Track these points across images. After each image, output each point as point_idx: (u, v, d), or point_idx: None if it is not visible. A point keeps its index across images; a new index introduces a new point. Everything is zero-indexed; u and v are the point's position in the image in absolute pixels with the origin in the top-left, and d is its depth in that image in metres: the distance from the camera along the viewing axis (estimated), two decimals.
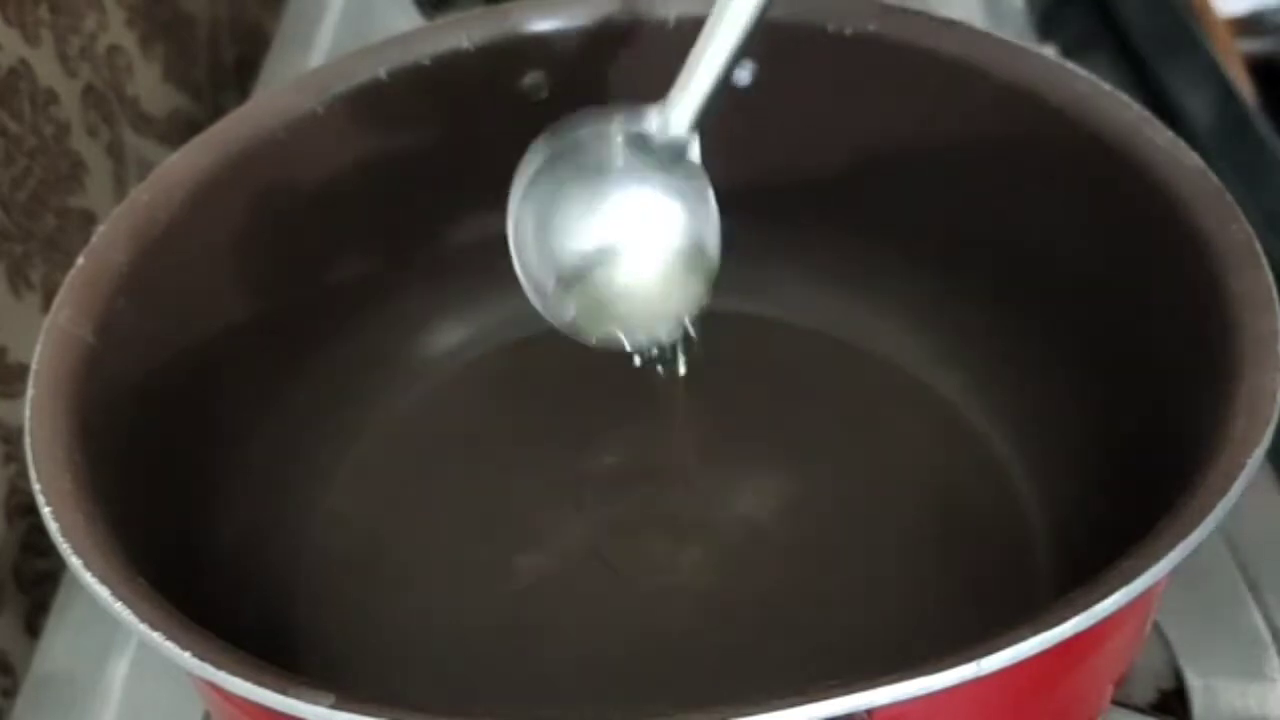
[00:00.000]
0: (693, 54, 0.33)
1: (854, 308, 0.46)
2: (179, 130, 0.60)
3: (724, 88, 0.34)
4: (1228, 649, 0.39)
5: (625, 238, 0.34)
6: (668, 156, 0.34)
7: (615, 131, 0.34)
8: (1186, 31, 0.60)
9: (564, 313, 0.35)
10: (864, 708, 0.24)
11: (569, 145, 0.34)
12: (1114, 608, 0.26)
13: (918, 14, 0.42)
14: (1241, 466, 0.28)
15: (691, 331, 0.36)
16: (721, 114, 0.44)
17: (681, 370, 0.37)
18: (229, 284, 0.40)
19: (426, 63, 0.43)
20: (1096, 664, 0.30)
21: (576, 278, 0.34)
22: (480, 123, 0.44)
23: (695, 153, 0.34)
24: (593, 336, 0.35)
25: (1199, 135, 0.52)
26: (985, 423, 0.43)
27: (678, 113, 0.34)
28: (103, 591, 0.28)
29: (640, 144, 0.34)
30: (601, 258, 0.34)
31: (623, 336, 0.35)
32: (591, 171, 0.34)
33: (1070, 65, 0.39)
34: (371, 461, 0.44)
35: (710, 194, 0.35)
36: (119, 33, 0.56)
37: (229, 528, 0.39)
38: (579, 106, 0.44)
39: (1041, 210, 0.40)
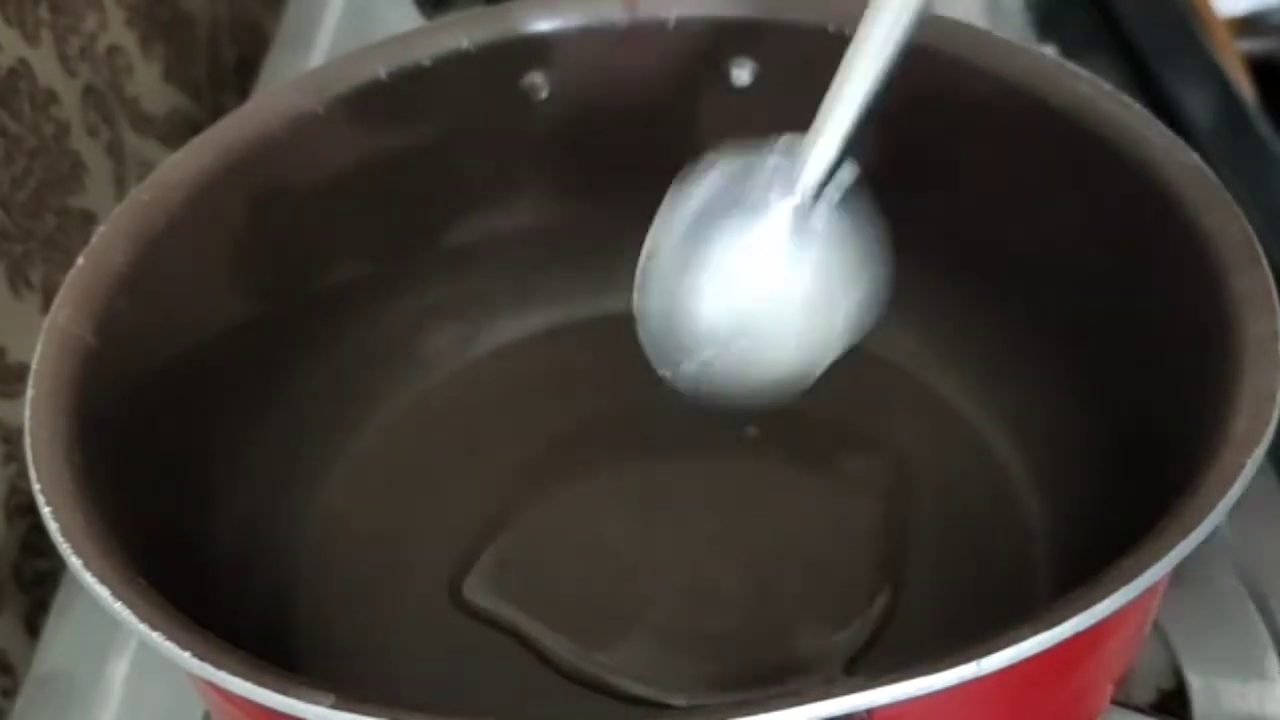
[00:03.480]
0: (828, 98, 0.32)
1: None
2: (179, 130, 0.60)
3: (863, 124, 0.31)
4: (1228, 649, 0.39)
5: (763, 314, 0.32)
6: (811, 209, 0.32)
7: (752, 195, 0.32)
8: (1186, 31, 0.60)
9: (692, 381, 0.33)
10: (864, 708, 0.24)
11: (709, 206, 0.32)
12: (1114, 608, 0.26)
13: None
14: (1241, 466, 0.28)
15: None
16: (722, 114, 0.45)
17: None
18: (229, 284, 0.40)
19: (426, 63, 0.43)
20: (1096, 664, 0.30)
21: (710, 352, 0.33)
22: (480, 123, 0.44)
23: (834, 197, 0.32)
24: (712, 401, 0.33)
25: (1199, 135, 0.52)
26: (985, 423, 0.43)
27: (811, 169, 0.32)
28: (103, 591, 0.28)
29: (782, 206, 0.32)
30: (740, 331, 0.33)
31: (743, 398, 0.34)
32: (733, 240, 0.32)
33: (1070, 65, 0.39)
34: (371, 461, 0.44)
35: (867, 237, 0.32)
36: (119, 33, 0.56)
37: (229, 527, 0.39)
38: (579, 106, 0.45)
39: (1041, 210, 0.40)
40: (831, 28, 0.42)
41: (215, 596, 0.34)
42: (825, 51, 0.42)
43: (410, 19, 0.63)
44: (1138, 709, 0.37)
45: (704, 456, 0.44)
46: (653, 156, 0.46)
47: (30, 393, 0.32)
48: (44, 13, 0.49)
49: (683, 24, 0.43)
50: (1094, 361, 0.39)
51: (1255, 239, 0.33)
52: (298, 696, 0.25)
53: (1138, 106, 0.37)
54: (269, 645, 0.30)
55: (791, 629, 0.38)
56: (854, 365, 0.45)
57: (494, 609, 0.39)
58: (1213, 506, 0.27)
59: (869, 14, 0.31)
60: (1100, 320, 0.39)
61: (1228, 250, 0.33)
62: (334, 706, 0.25)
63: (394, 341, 0.46)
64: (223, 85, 0.66)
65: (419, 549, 0.41)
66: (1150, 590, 0.27)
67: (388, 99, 0.42)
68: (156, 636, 0.27)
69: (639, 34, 0.43)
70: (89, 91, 0.52)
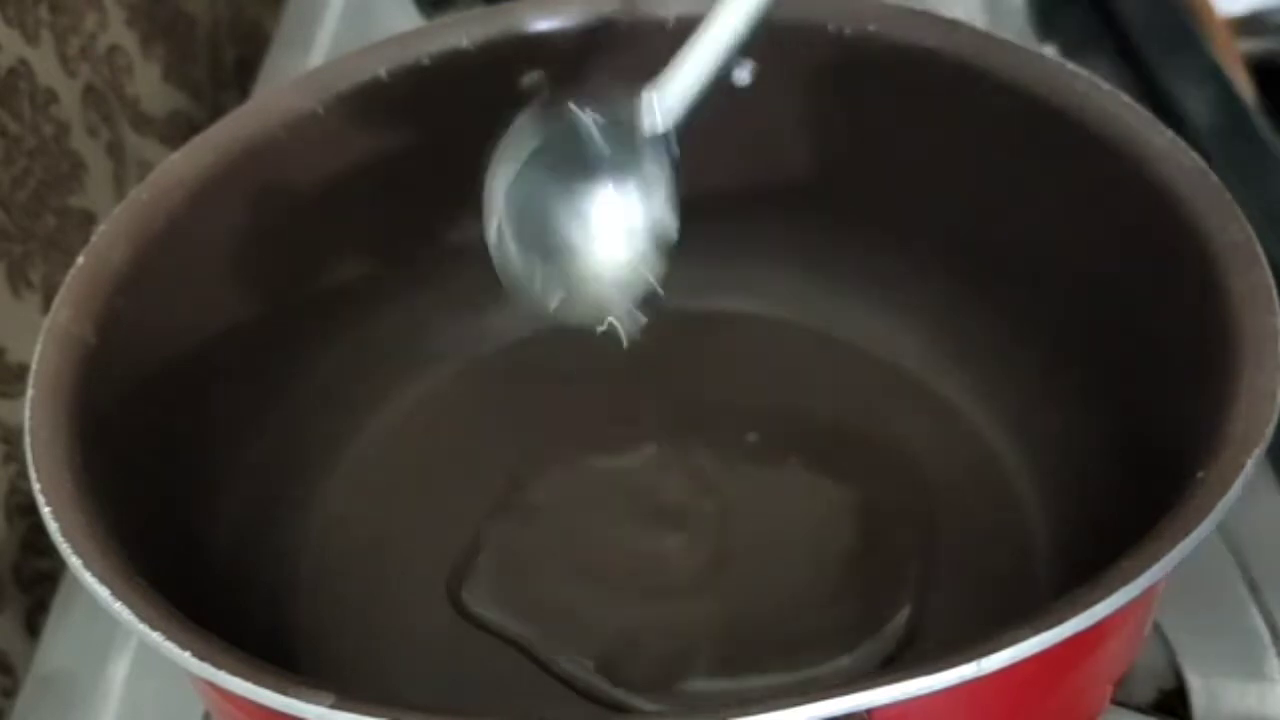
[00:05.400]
0: (684, 49, 0.34)
1: (854, 307, 0.46)
2: (179, 130, 0.60)
3: (712, 88, 0.35)
4: (1228, 649, 0.39)
5: (597, 229, 0.36)
6: (641, 147, 0.35)
7: (592, 124, 0.36)
8: (1186, 31, 0.60)
9: (537, 291, 0.37)
10: (864, 707, 0.24)
11: (550, 138, 0.36)
12: (1114, 608, 0.26)
13: (918, 14, 0.42)
14: (1241, 466, 0.28)
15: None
16: (722, 114, 0.45)
17: (624, 339, 0.38)
18: (229, 284, 0.40)
19: (426, 63, 0.43)
20: (1096, 664, 0.30)
21: (551, 260, 0.36)
22: (480, 123, 0.44)
23: (672, 145, 0.36)
24: (553, 308, 0.37)
25: (1199, 135, 0.52)
26: (985, 423, 0.43)
27: (662, 107, 0.35)
28: (103, 591, 0.28)
29: (616, 135, 0.35)
30: (576, 244, 0.36)
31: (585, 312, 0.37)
32: (571, 167, 0.36)
33: (1070, 65, 0.39)
34: (371, 461, 0.44)
35: (670, 177, 0.36)
36: (119, 33, 0.56)
37: (229, 527, 0.39)
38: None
39: (1041, 210, 0.40)
40: (831, 28, 0.42)
41: (215, 596, 0.34)
42: (825, 51, 0.43)
43: (410, 19, 0.63)
44: (1138, 709, 0.37)
45: (706, 457, 0.44)
46: None
47: (30, 393, 0.33)
48: (44, 13, 0.49)
49: (683, 24, 0.43)
50: (1094, 361, 0.39)
51: (1255, 239, 0.33)
52: (297, 696, 0.25)
53: (1138, 106, 0.37)
54: (269, 645, 0.30)
55: (801, 641, 0.38)
56: (857, 366, 0.46)
57: (492, 617, 0.39)
58: (1213, 506, 0.27)
59: None
60: (1100, 320, 0.39)
61: (1228, 250, 0.33)
62: (333, 706, 0.25)
63: (394, 341, 0.46)
64: (223, 85, 0.66)
65: (419, 549, 0.41)
66: (1150, 590, 0.27)
67: (388, 99, 0.42)
68: (156, 636, 0.27)
69: (639, 34, 0.43)
70: (89, 91, 0.52)
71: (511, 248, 0.37)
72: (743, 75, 0.44)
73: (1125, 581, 0.26)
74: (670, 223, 0.36)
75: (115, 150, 0.54)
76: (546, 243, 0.36)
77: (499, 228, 0.37)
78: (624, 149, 0.36)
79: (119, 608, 0.28)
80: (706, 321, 0.48)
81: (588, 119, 0.35)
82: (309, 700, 0.25)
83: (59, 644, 0.43)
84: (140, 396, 0.36)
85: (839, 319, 0.46)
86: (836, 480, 0.42)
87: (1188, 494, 0.28)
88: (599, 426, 0.45)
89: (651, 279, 0.37)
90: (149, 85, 0.58)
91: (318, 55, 0.63)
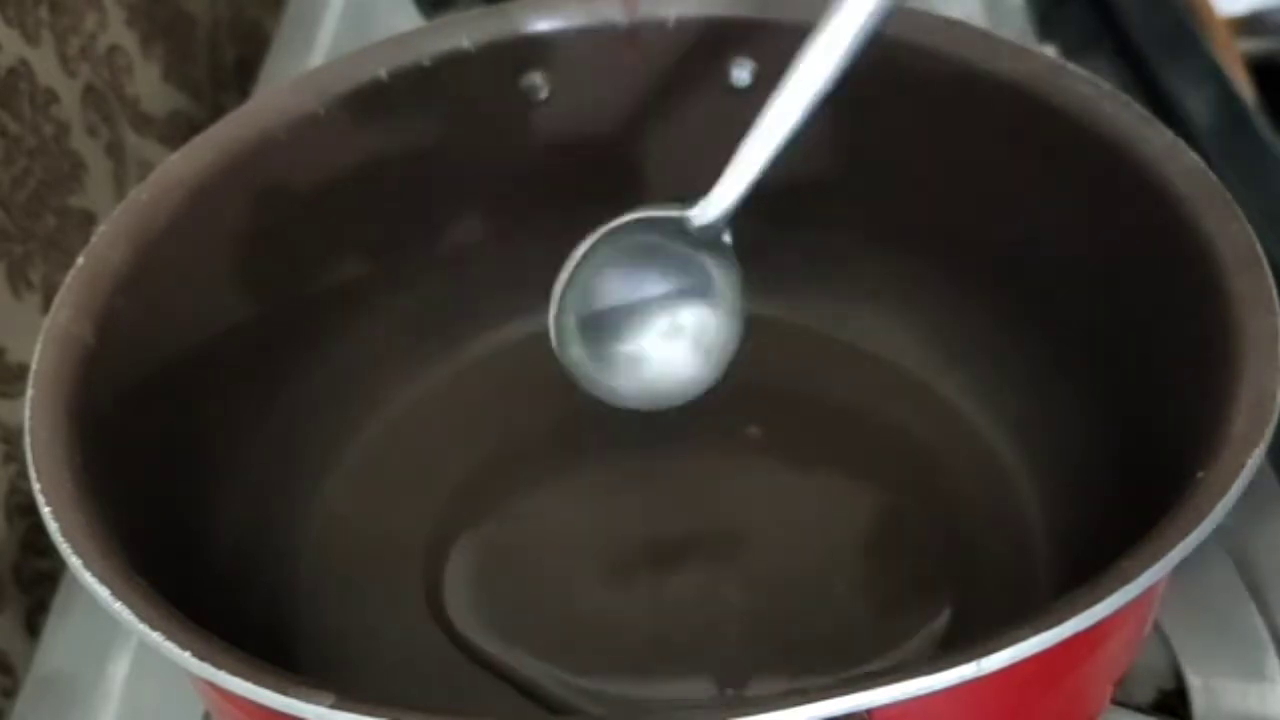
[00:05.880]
0: (740, 150, 0.37)
1: (854, 308, 0.46)
2: (179, 130, 0.60)
3: (763, 179, 0.38)
4: (1228, 649, 0.39)
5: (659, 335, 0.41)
6: (702, 240, 0.39)
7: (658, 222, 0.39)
8: (1186, 31, 0.59)
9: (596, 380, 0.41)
10: (864, 708, 0.24)
11: (618, 235, 0.39)
12: (1114, 608, 0.26)
13: (918, 14, 0.42)
14: (1241, 466, 0.28)
15: None
16: (722, 114, 0.45)
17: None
18: (229, 284, 0.40)
19: (426, 63, 0.43)
20: (1096, 664, 0.30)
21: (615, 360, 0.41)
22: (480, 123, 0.44)
23: (726, 236, 0.39)
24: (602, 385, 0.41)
25: (1199, 135, 0.52)
26: (985, 423, 0.43)
27: (715, 204, 0.38)
28: (103, 591, 0.28)
29: (678, 231, 0.39)
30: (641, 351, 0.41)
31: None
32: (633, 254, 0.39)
33: (1070, 65, 0.39)
34: (371, 461, 0.44)
35: (735, 276, 0.40)
36: (119, 33, 0.56)
37: (229, 527, 0.39)
38: (579, 106, 0.45)
39: (1041, 210, 0.40)
40: None
41: (215, 596, 0.34)
42: None
43: (410, 19, 0.63)
44: (1138, 709, 0.37)
45: (707, 455, 0.44)
46: (652, 157, 0.46)
47: (30, 393, 0.33)
48: (44, 13, 0.49)
49: (683, 24, 0.43)
50: (1094, 362, 0.39)
51: (1255, 239, 0.33)
52: (297, 696, 0.25)
53: (1138, 106, 0.37)
54: (269, 645, 0.30)
55: (802, 648, 0.38)
56: (857, 365, 0.46)
57: (483, 641, 0.39)
58: (1213, 506, 0.27)
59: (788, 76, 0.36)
60: (1100, 320, 0.39)
61: (1228, 250, 0.33)
62: (334, 706, 0.25)
63: (394, 341, 0.46)
64: (223, 85, 0.66)
65: (419, 549, 0.41)
66: (1150, 590, 0.27)
67: (388, 99, 0.42)
68: (156, 636, 0.27)
69: (639, 34, 0.43)
70: (89, 91, 0.52)
71: (577, 343, 0.41)
72: (743, 75, 0.44)
73: (1125, 581, 0.26)
74: (733, 329, 0.40)
75: (115, 150, 0.54)
76: (613, 345, 0.41)
77: (561, 324, 0.40)
78: (686, 259, 0.39)
79: (119, 608, 0.28)
80: None
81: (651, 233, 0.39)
82: (309, 700, 0.25)
83: (59, 644, 0.43)
84: (140, 396, 0.36)
85: (839, 319, 0.46)
86: (836, 481, 0.42)
87: (1188, 494, 0.28)
88: (600, 426, 0.45)
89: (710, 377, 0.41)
90: (149, 85, 0.58)
91: (318, 55, 0.63)
